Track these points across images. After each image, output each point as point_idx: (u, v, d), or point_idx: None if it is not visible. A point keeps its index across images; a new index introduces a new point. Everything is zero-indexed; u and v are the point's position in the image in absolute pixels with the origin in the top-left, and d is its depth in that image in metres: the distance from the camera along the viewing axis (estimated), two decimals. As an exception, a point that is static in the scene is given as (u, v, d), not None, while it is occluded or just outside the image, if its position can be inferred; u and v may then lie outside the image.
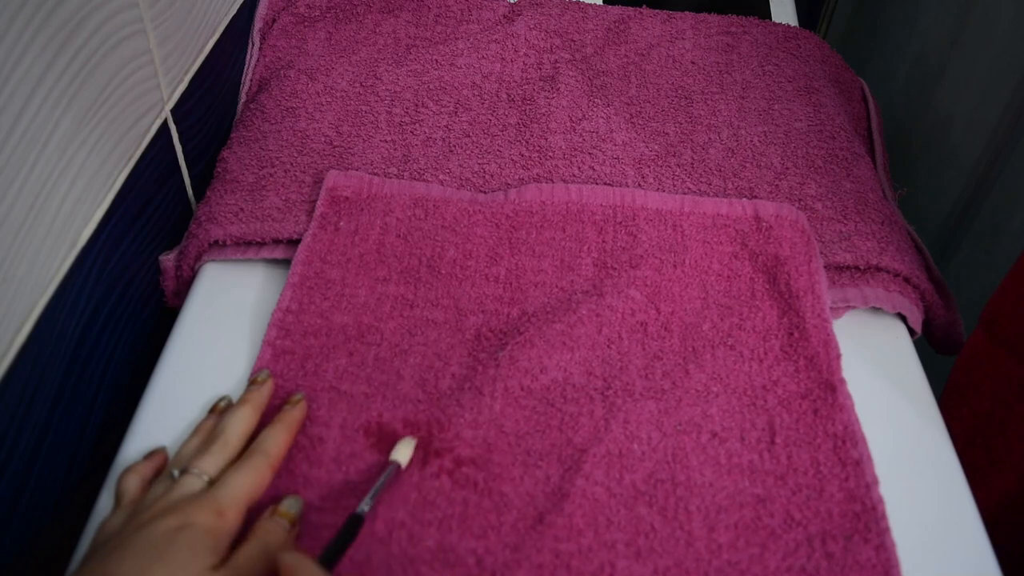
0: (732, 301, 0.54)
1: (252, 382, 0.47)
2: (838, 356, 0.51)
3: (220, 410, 0.46)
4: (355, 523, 0.40)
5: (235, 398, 0.47)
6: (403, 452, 0.44)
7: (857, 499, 0.44)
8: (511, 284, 0.54)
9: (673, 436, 0.47)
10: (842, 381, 0.49)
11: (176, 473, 0.41)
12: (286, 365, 0.49)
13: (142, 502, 0.40)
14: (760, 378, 0.50)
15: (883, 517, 0.44)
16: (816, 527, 0.43)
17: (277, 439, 0.43)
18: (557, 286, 0.54)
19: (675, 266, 0.55)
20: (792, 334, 0.52)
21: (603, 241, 0.57)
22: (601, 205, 0.59)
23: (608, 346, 0.51)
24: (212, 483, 0.40)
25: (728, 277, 0.55)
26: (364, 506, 0.41)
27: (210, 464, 0.41)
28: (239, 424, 0.43)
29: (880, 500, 0.44)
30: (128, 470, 0.42)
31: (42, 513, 0.45)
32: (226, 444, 0.42)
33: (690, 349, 0.51)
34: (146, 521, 0.37)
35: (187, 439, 0.44)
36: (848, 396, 0.49)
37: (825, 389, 0.49)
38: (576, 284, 0.54)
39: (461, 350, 0.50)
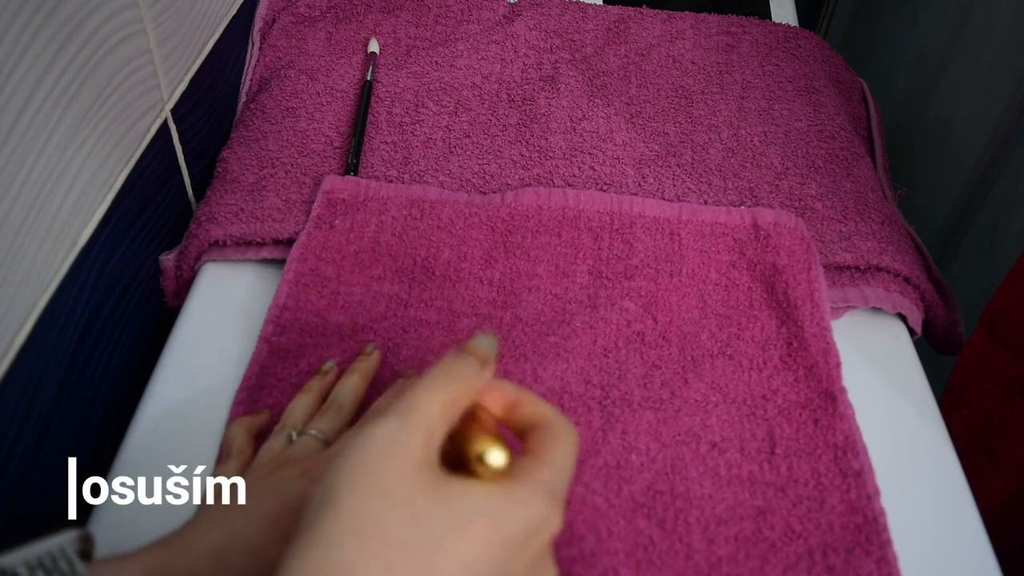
0: (730, 310, 0.53)
1: (360, 353, 0.49)
2: (838, 365, 0.50)
3: (324, 372, 0.48)
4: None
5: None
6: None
7: (858, 511, 0.43)
8: (505, 288, 0.54)
9: (672, 447, 0.46)
10: (842, 390, 0.49)
11: (295, 435, 0.43)
12: (281, 362, 0.49)
13: (259, 457, 0.42)
14: (759, 388, 0.49)
15: (884, 529, 0.43)
16: (817, 539, 0.42)
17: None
18: (551, 292, 0.53)
19: (672, 275, 0.55)
20: (791, 343, 0.51)
21: (599, 248, 0.56)
22: (598, 211, 0.58)
23: (605, 355, 0.50)
24: (327, 444, 0.42)
25: (726, 286, 0.54)
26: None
27: (327, 426, 0.43)
28: (351, 391, 0.46)
29: (882, 512, 0.43)
30: (235, 422, 0.45)
31: (42, 513, 0.45)
32: (340, 409, 0.45)
33: (689, 359, 0.50)
34: (269, 471, 0.39)
35: (296, 399, 0.46)
36: (848, 405, 0.48)
37: (825, 399, 0.48)
38: (571, 291, 0.54)
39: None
